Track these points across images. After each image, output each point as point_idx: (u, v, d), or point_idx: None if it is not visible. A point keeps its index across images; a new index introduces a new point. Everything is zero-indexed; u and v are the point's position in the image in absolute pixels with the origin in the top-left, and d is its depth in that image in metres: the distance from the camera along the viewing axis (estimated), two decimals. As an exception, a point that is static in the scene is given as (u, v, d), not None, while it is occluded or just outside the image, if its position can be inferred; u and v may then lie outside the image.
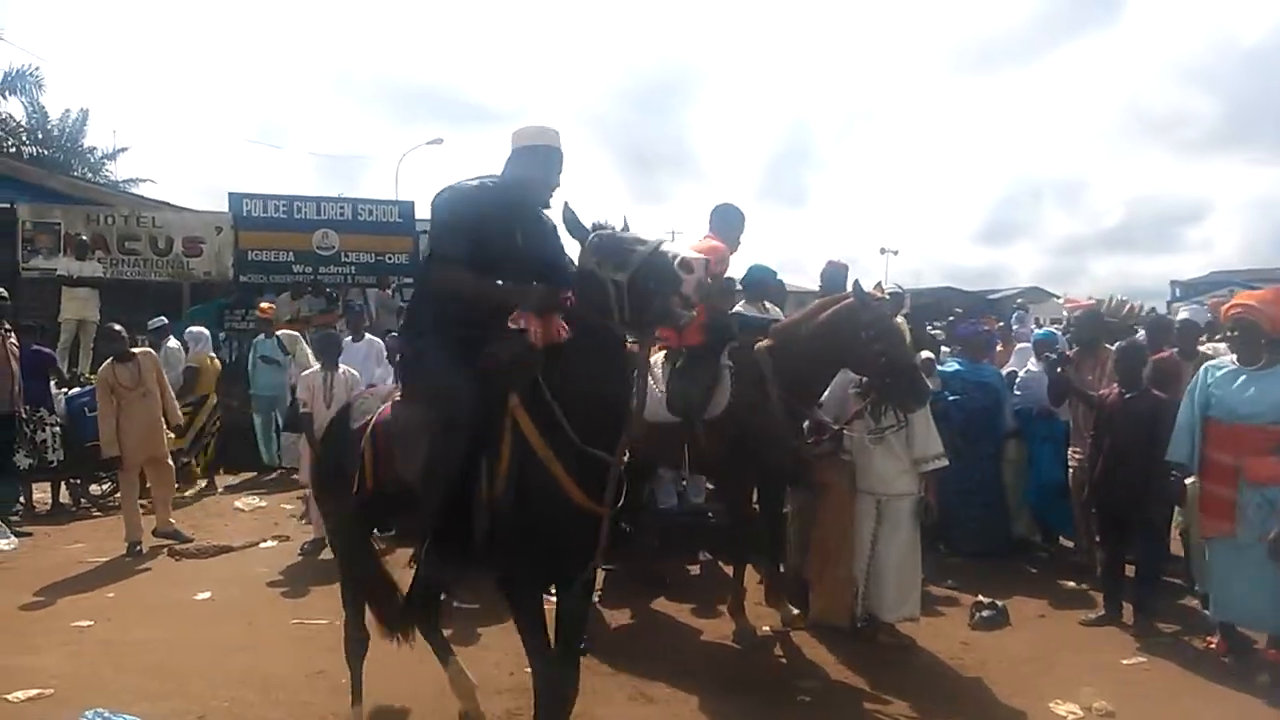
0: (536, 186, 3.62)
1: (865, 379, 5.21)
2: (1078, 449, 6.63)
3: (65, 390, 9.45)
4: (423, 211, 16.10)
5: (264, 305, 11.94)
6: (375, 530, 4.36)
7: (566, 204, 3.30)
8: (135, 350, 8.06)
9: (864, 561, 5.36)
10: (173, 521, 7.96)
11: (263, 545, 7.80)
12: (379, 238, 15.56)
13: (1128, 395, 5.66)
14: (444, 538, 3.42)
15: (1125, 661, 5.11)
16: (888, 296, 5.81)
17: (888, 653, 5.20)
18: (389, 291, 14.97)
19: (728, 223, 5.68)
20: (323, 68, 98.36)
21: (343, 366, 7.60)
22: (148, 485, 8.11)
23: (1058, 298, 19.55)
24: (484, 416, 3.34)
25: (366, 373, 8.54)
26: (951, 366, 7.42)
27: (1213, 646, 5.19)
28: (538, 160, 3.61)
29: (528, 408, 3.29)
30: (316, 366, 7.63)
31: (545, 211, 3.70)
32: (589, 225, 3.24)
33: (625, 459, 3.31)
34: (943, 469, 5.46)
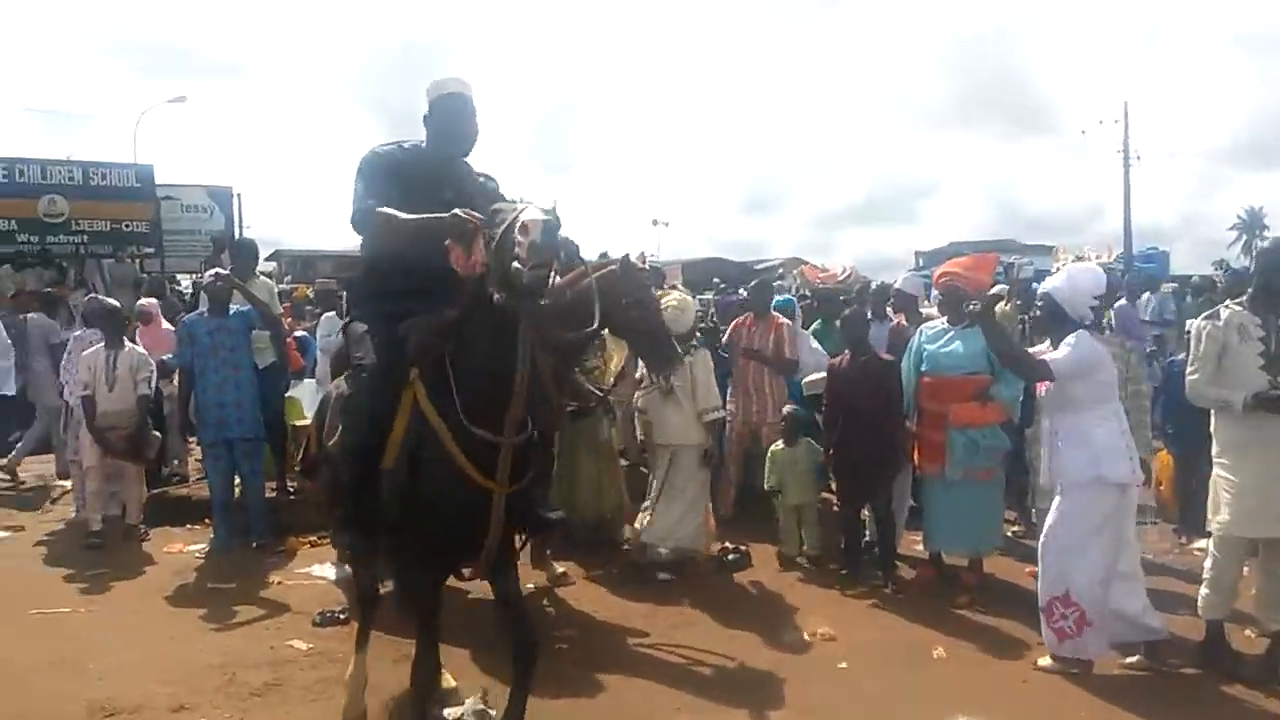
0: (455, 137, 3.70)
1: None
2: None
3: None
4: (163, 175, 15.14)
5: None
6: None
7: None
8: None
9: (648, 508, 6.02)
10: None
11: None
12: (115, 204, 14.53)
13: (862, 359, 5.98)
14: (356, 513, 3.49)
15: (848, 594, 5.68)
16: (649, 267, 6.16)
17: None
18: (131, 261, 14.00)
19: None
20: (40, 11, 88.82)
21: (128, 345, 7.05)
22: None
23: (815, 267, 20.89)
24: (389, 389, 3.38)
25: None
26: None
27: (926, 578, 5.82)
28: (451, 111, 3.67)
29: (427, 381, 3.28)
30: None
31: (478, 170, 3.82)
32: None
33: (519, 435, 3.26)
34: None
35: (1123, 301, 11.03)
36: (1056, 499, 4.50)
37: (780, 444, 6.45)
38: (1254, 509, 4.23)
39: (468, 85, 3.74)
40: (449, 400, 3.22)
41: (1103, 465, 4.32)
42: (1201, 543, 6.24)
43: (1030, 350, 4.70)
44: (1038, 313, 4.72)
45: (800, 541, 6.33)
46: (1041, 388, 4.59)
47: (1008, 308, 5.47)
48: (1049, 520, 4.53)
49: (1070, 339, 4.41)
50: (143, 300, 8.89)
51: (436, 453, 3.21)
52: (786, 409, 6.53)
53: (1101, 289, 4.65)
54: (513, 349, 3.15)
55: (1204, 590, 4.46)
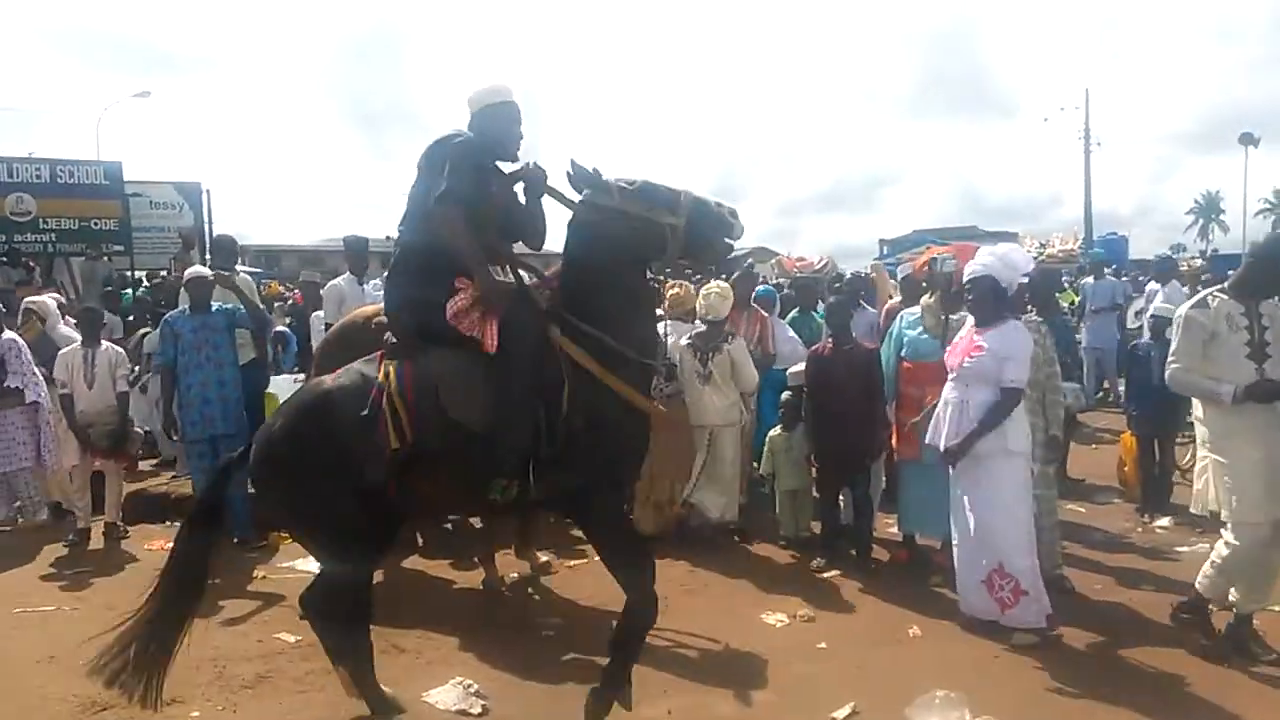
0: (509, 141, 3.86)
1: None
2: None
3: None
4: (132, 173, 14.92)
5: None
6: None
7: (573, 160, 3.61)
8: None
9: (693, 483, 6.38)
10: None
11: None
12: (83, 202, 14.35)
13: (846, 347, 6.07)
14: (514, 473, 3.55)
15: (825, 576, 5.81)
16: None
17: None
18: (106, 259, 13.88)
19: None
20: None
21: (105, 343, 7.04)
22: None
23: (778, 255, 21.05)
24: (528, 351, 3.56)
25: None
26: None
27: (900, 559, 5.98)
28: (503, 116, 3.84)
29: (571, 337, 3.58)
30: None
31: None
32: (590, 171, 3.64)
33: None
34: None
35: (1154, 285, 10.97)
36: (968, 474, 4.76)
37: (778, 430, 6.59)
38: (1262, 493, 4.24)
39: (510, 91, 3.91)
40: (595, 344, 3.56)
41: (1010, 439, 4.69)
42: (1164, 521, 6.47)
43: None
44: (972, 296, 4.85)
45: (796, 525, 6.48)
46: (959, 360, 4.82)
47: (932, 300, 5.78)
48: (964, 497, 4.78)
49: (1012, 344, 4.70)
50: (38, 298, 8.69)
51: (607, 395, 3.54)
52: (784, 395, 6.61)
53: (1029, 265, 5.14)
54: (649, 297, 3.84)
55: (1208, 569, 4.42)
